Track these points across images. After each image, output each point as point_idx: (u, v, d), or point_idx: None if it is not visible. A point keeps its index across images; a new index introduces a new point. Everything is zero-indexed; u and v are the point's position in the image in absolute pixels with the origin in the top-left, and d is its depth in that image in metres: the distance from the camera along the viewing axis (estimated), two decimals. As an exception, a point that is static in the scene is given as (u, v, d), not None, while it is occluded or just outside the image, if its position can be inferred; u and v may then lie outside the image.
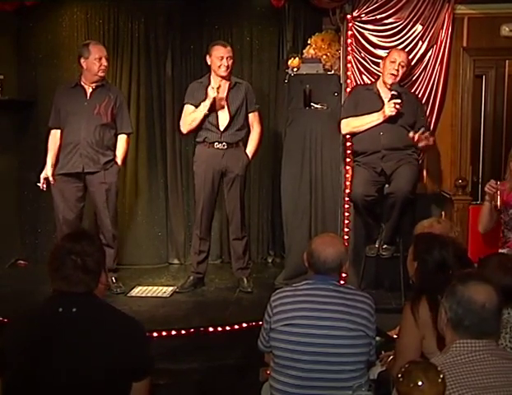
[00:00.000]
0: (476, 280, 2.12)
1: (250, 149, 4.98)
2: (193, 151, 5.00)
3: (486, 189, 4.08)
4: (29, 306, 2.46)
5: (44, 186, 4.82)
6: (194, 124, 4.84)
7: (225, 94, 4.84)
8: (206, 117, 4.80)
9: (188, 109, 4.88)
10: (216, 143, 4.82)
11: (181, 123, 4.94)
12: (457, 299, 2.08)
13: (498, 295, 2.08)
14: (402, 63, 4.63)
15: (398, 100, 4.52)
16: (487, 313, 2.04)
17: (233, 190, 4.91)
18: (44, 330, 2.24)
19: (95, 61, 4.73)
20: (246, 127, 4.96)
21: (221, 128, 4.79)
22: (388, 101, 4.56)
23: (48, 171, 4.82)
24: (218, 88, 4.68)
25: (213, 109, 4.79)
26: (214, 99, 4.73)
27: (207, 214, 4.94)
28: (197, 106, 4.82)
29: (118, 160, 4.92)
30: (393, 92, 4.57)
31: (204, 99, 4.74)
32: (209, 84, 4.84)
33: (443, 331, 2.15)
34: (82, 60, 4.78)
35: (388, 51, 4.81)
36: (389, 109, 4.52)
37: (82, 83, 4.83)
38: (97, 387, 2.21)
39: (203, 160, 4.85)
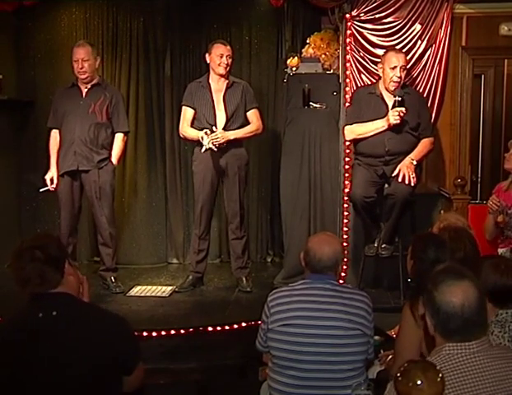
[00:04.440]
0: (448, 280, 2.05)
1: (244, 129, 4.87)
2: (192, 151, 4.99)
3: (488, 205, 4.04)
4: (8, 316, 2.44)
5: (53, 186, 4.82)
6: (189, 138, 4.91)
7: (222, 93, 4.85)
8: (203, 116, 4.81)
9: (186, 112, 4.88)
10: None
11: (180, 126, 4.95)
12: (435, 307, 2.03)
13: (476, 288, 2.03)
14: (403, 67, 4.57)
15: (403, 109, 4.44)
16: (469, 313, 1.99)
17: (232, 189, 4.90)
18: (28, 338, 2.22)
19: (74, 63, 4.80)
20: (246, 126, 4.95)
21: (219, 128, 4.78)
22: (392, 108, 4.50)
23: (53, 172, 4.83)
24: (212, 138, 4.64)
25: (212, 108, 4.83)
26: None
27: (206, 213, 4.94)
28: (195, 108, 4.84)
29: (114, 158, 4.92)
30: (396, 98, 4.48)
31: (209, 111, 4.80)
32: (208, 84, 4.85)
33: (434, 336, 2.12)
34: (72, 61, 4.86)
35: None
36: (394, 117, 4.45)
37: (78, 83, 4.85)
38: (87, 386, 2.20)
39: (202, 160, 4.83)
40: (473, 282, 2.04)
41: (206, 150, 4.64)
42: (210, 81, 4.87)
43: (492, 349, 2.04)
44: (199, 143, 4.69)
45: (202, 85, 4.87)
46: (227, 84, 4.87)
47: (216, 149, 4.64)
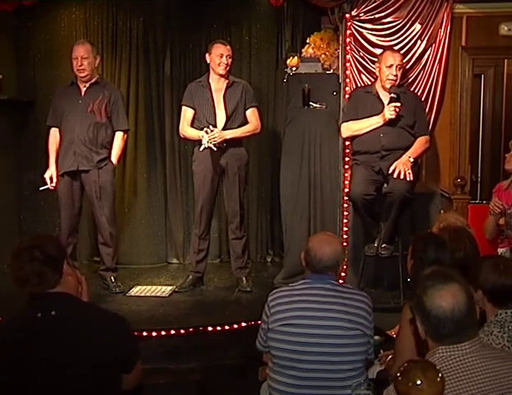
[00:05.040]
0: (437, 284, 2.05)
1: (242, 128, 4.86)
2: (193, 151, 4.99)
3: (490, 207, 4.06)
4: (8, 315, 2.44)
5: (53, 184, 4.82)
6: (189, 138, 4.92)
7: (222, 93, 4.85)
8: (203, 116, 4.82)
9: (186, 112, 4.89)
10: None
11: (180, 125, 4.96)
12: (425, 313, 2.03)
13: (465, 290, 2.03)
14: (399, 65, 4.61)
15: (398, 104, 4.50)
16: (459, 316, 1.99)
17: (232, 189, 4.90)
18: (27, 338, 2.21)
19: (73, 60, 4.79)
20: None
21: (219, 128, 4.78)
22: (388, 104, 4.56)
23: (52, 171, 4.83)
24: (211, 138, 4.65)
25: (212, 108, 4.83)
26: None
27: (206, 213, 4.94)
28: (194, 108, 4.84)
29: (113, 157, 4.91)
30: (392, 95, 4.55)
31: (209, 111, 4.80)
32: (208, 84, 4.85)
33: (426, 341, 2.13)
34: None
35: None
36: (389, 112, 4.51)
37: (77, 82, 4.86)
38: (87, 386, 2.19)
39: (202, 160, 4.84)
40: (461, 285, 2.05)
41: (204, 148, 4.64)
42: (210, 80, 4.87)
43: (484, 349, 2.05)
44: (199, 143, 4.70)
45: (203, 84, 4.88)
46: (227, 84, 4.87)
47: (215, 148, 4.64)
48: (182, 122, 4.93)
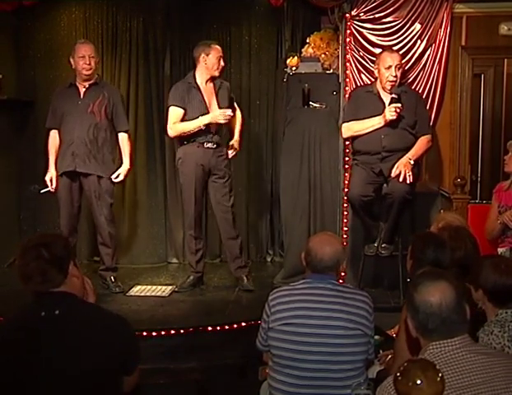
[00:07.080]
0: (427, 281, 2.10)
1: (238, 124, 5.05)
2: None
3: (504, 220, 4.00)
4: (11, 314, 2.44)
5: (53, 186, 4.82)
6: (186, 133, 4.79)
7: (213, 92, 4.86)
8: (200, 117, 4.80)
9: (176, 112, 4.80)
10: (206, 143, 4.79)
11: (168, 126, 4.86)
12: (414, 307, 2.08)
13: (454, 288, 2.07)
14: (398, 65, 4.60)
15: (399, 104, 4.48)
16: (447, 311, 2.03)
17: (224, 188, 4.89)
18: (30, 336, 2.21)
19: (78, 59, 4.76)
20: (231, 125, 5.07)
21: (213, 130, 4.78)
22: (389, 105, 4.54)
23: (52, 172, 4.83)
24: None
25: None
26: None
27: (199, 212, 4.94)
28: (185, 108, 4.79)
29: (126, 159, 4.95)
30: (393, 95, 4.53)
31: (203, 113, 4.76)
32: (197, 84, 4.82)
33: (417, 339, 2.14)
34: (71, 59, 4.83)
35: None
36: (390, 113, 4.49)
37: (76, 83, 4.85)
38: (88, 386, 2.19)
39: (192, 159, 4.79)
40: (451, 283, 2.09)
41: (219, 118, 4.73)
42: (198, 81, 4.84)
43: (474, 345, 2.09)
44: (194, 135, 4.72)
45: (193, 86, 4.83)
46: (216, 84, 4.87)
47: (223, 121, 4.73)
48: (170, 120, 4.82)
